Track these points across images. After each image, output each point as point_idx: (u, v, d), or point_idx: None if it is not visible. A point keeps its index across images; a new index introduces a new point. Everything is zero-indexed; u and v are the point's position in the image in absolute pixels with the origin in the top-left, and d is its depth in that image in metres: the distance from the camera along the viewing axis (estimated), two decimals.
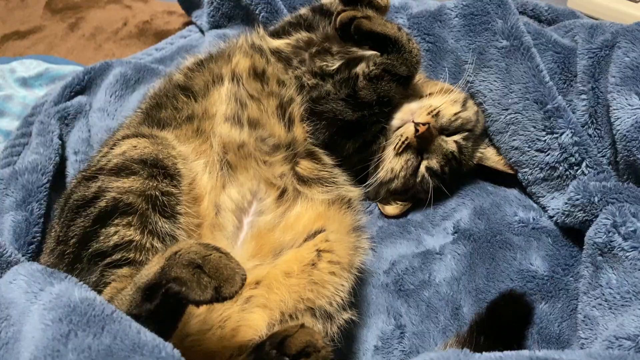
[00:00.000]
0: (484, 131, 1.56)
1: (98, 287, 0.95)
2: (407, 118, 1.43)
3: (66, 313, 0.82)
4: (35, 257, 1.32)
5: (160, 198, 1.04)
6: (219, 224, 1.17)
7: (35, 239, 1.33)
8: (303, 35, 1.46)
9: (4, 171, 1.45)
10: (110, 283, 0.95)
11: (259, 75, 1.35)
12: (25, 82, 1.99)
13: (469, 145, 1.50)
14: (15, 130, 1.69)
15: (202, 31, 2.16)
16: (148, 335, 0.80)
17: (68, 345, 0.77)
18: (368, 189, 1.47)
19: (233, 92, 1.30)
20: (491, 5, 1.56)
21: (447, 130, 1.46)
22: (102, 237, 0.98)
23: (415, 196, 1.52)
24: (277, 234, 1.20)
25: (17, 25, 2.37)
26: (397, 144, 1.43)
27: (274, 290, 1.09)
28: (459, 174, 1.53)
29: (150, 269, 0.88)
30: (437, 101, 1.46)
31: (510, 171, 1.54)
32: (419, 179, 1.46)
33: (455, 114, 1.46)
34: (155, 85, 1.48)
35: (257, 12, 1.89)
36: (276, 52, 1.43)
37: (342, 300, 1.15)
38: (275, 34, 1.50)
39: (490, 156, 1.56)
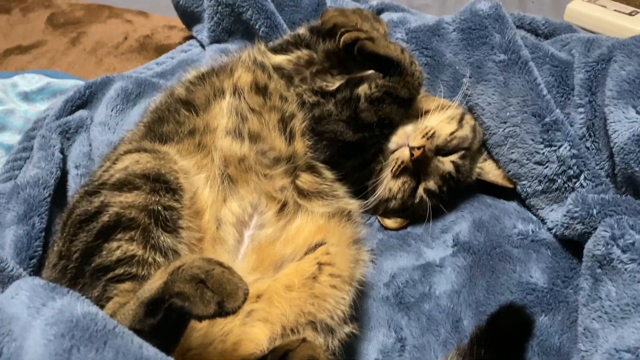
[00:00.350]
0: (482, 145, 1.57)
1: (101, 302, 0.95)
2: (403, 142, 1.44)
3: (68, 328, 0.82)
4: (36, 271, 1.32)
5: (162, 213, 1.05)
6: (220, 238, 1.17)
7: (36, 253, 1.34)
8: (304, 53, 1.48)
9: (6, 185, 1.46)
10: (112, 298, 0.96)
11: (261, 90, 1.36)
12: (27, 97, 2.00)
13: (467, 163, 1.50)
14: (16, 145, 1.69)
15: (202, 45, 2.17)
16: (150, 350, 0.80)
17: None
18: (368, 206, 1.47)
19: (234, 105, 1.31)
20: (489, 19, 1.58)
21: (443, 151, 1.46)
22: (104, 252, 0.99)
23: (415, 213, 1.53)
24: (277, 247, 1.20)
25: (19, 40, 2.39)
26: (394, 167, 1.44)
27: (275, 304, 1.09)
28: (459, 190, 1.54)
29: (153, 283, 0.89)
30: (433, 120, 1.46)
31: (509, 185, 1.54)
32: (417, 200, 1.47)
33: (451, 133, 1.46)
34: (156, 99, 1.49)
35: (257, 27, 1.91)
36: (278, 69, 1.44)
37: (343, 313, 1.15)
38: (276, 50, 1.51)
39: (489, 170, 1.57)
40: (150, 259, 1.00)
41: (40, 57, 2.29)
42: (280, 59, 1.46)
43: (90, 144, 1.69)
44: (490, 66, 1.53)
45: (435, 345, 1.29)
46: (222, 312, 0.82)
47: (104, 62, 2.26)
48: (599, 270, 1.18)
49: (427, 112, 1.48)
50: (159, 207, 1.05)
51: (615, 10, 2.21)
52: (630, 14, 2.17)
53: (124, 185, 1.06)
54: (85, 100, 1.83)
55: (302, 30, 1.58)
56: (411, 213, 1.53)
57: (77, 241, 1.01)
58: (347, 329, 1.16)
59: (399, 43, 1.59)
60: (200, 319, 0.85)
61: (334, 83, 1.42)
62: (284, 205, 1.25)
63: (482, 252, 1.44)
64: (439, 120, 1.47)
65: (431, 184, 1.46)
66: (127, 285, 0.97)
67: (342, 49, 1.37)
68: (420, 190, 1.47)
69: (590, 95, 1.45)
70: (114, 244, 0.99)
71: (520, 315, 1.26)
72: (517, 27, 1.76)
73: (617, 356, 0.98)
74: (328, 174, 1.37)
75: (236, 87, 1.34)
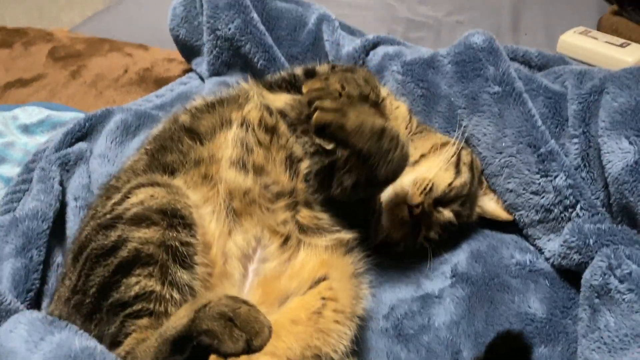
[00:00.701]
0: (480, 177, 1.58)
1: (118, 338, 0.95)
2: (401, 198, 1.42)
3: None
4: (34, 304, 1.32)
5: (179, 249, 1.05)
6: (227, 272, 1.17)
7: (34, 286, 1.33)
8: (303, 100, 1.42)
9: (4, 218, 1.46)
10: (130, 334, 0.96)
11: (269, 130, 1.33)
12: (26, 129, 2.01)
13: (467, 208, 1.50)
14: (16, 177, 1.70)
15: (201, 78, 2.20)
16: None
17: None
18: (370, 246, 1.43)
19: (240, 136, 1.30)
20: (483, 52, 1.61)
21: (442, 202, 1.45)
22: (123, 287, 0.98)
23: (416, 252, 1.52)
24: (282, 281, 1.21)
25: (20, 73, 2.41)
26: (394, 220, 1.44)
27: (282, 337, 1.08)
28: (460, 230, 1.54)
29: (178, 321, 0.90)
30: (430, 169, 1.44)
31: (511, 218, 1.55)
32: (417, 246, 1.48)
33: (450, 184, 1.44)
34: (160, 125, 1.48)
35: (255, 60, 1.94)
36: (282, 114, 1.39)
37: (346, 347, 1.15)
38: (273, 87, 1.49)
39: (489, 206, 1.57)
40: (167, 295, 1.00)
41: (41, 90, 2.31)
42: (281, 102, 1.41)
43: (89, 176, 1.70)
44: (485, 98, 1.56)
45: None
46: (250, 349, 0.86)
47: (103, 94, 2.28)
48: (597, 301, 1.18)
49: (422, 156, 1.48)
50: (177, 243, 1.05)
51: (606, 42, 2.26)
52: (621, 46, 2.22)
53: (141, 220, 1.05)
54: (85, 132, 1.84)
55: (298, 71, 1.55)
56: (412, 252, 1.52)
57: (93, 276, 1.01)
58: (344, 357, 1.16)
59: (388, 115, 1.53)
60: (227, 355, 0.87)
61: (330, 144, 1.31)
62: (286, 239, 1.26)
63: (481, 282, 1.44)
64: (436, 167, 1.45)
65: (432, 234, 1.47)
66: (145, 321, 0.97)
67: (314, 131, 1.24)
68: (421, 239, 1.47)
69: (584, 126, 1.47)
70: (133, 280, 0.99)
71: (518, 342, 1.24)
72: (511, 59, 1.79)
73: None
74: (326, 215, 1.33)
75: (245, 120, 1.33)
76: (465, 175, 1.48)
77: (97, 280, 1.00)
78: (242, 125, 1.31)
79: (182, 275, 1.04)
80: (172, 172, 1.25)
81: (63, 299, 1.06)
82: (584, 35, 2.33)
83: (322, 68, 1.58)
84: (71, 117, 2.02)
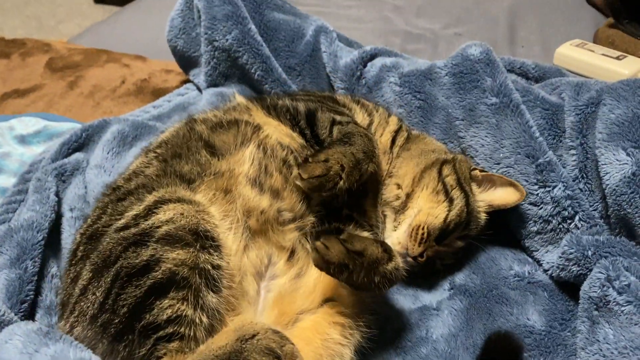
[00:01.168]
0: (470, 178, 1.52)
1: None
2: (402, 252, 1.39)
3: None
4: (28, 316, 1.30)
5: (211, 272, 1.05)
6: (242, 289, 1.17)
7: (28, 298, 1.31)
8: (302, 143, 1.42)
9: (0, 228, 1.45)
10: (161, 357, 0.95)
11: (284, 161, 1.35)
12: (23, 140, 2.01)
13: (472, 224, 1.46)
14: (11, 187, 1.69)
15: (199, 89, 2.20)
16: None
17: None
18: None
19: (258, 157, 1.30)
20: (480, 64, 1.61)
21: (445, 237, 1.42)
22: (155, 310, 0.98)
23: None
24: (296, 301, 1.22)
25: (17, 84, 2.40)
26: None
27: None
28: None
29: (220, 350, 0.92)
30: (422, 209, 1.41)
31: (520, 194, 1.45)
32: (435, 270, 1.48)
33: (445, 220, 1.40)
34: (170, 130, 1.47)
35: (252, 71, 1.95)
36: (290, 150, 1.39)
37: None
38: (279, 114, 1.46)
39: (495, 199, 1.50)
40: (197, 320, 1.00)
41: (38, 101, 2.30)
42: (287, 140, 1.39)
43: (85, 187, 1.69)
44: (482, 109, 1.56)
45: None
46: None
47: (101, 105, 2.28)
48: (595, 313, 1.18)
49: (409, 196, 1.45)
50: (209, 266, 1.05)
51: (603, 54, 2.27)
52: (617, 58, 2.23)
53: (175, 241, 1.04)
54: (81, 143, 1.84)
55: (301, 108, 1.47)
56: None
57: (125, 295, 0.99)
58: None
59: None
60: None
61: None
62: (292, 253, 1.27)
63: (479, 294, 1.43)
64: (427, 205, 1.41)
65: (447, 260, 1.48)
66: (175, 344, 0.97)
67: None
68: (438, 265, 1.47)
69: (581, 138, 1.48)
70: (166, 302, 0.98)
71: (509, 341, 1.24)
72: (508, 71, 1.80)
73: None
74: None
75: (262, 142, 1.33)
76: (458, 201, 1.43)
77: (129, 301, 0.98)
78: (259, 146, 1.32)
79: (212, 299, 1.04)
80: (189, 182, 1.23)
81: (88, 316, 1.02)
82: (580, 47, 2.34)
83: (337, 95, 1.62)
84: (68, 127, 2.02)
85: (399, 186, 1.48)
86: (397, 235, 1.42)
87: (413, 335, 1.37)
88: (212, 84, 2.09)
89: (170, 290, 0.99)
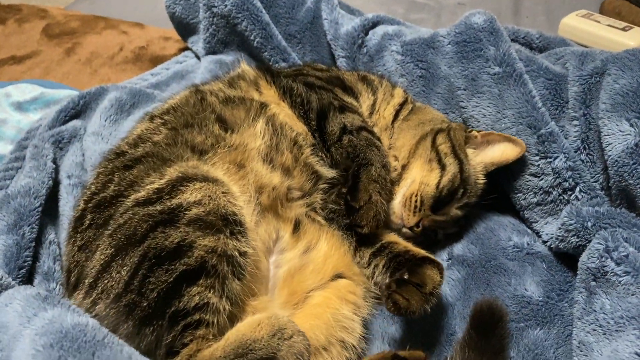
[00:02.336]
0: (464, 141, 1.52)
1: (175, 348, 0.96)
2: (398, 222, 1.40)
3: (58, 339, 0.81)
4: (25, 281, 1.31)
5: (237, 259, 1.05)
6: (255, 266, 1.16)
7: (25, 263, 1.31)
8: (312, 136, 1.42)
9: None
10: (187, 344, 0.96)
11: (296, 144, 1.36)
12: (20, 106, 1.99)
13: (470, 190, 1.45)
14: (8, 154, 1.68)
15: (197, 57, 2.18)
16: None
17: None
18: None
19: (269, 132, 1.31)
20: (483, 32, 1.58)
21: (440, 205, 1.41)
22: (185, 297, 0.98)
23: None
24: (306, 279, 1.24)
25: (13, 50, 2.38)
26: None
27: (306, 329, 1.10)
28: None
29: (257, 343, 0.94)
30: (415, 179, 1.41)
31: (519, 149, 1.44)
32: (439, 239, 1.49)
33: (437, 186, 1.40)
34: (177, 97, 1.45)
35: (251, 38, 1.92)
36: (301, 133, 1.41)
37: (362, 332, 1.25)
38: (293, 100, 1.45)
39: (494, 157, 1.48)
40: (221, 308, 1.01)
41: (35, 68, 2.28)
42: (296, 125, 1.41)
43: (83, 154, 1.68)
44: (485, 79, 1.54)
45: (430, 359, 1.27)
46: None
47: (98, 72, 2.26)
48: (593, 283, 1.18)
49: (405, 167, 1.45)
50: (236, 253, 1.05)
51: (609, 25, 2.23)
52: (623, 29, 2.19)
53: (206, 226, 1.04)
54: (79, 110, 1.83)
55: (314, 103, 1.43)
56: None
57: (154, 279, 0.98)
58: (363, 344, 1.24)
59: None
60: None
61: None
62: (296, 225, 1.28)
63: (477, 265, 1.43)
64: (420, 174, 1.42)
65: (449, 230, 1.47)
66: (201, 331, 0.98)
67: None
68: (440, 236, 1.48)
69: (584, 108, 1.46)
70: (195, 290, 0.99)
71: (494, 307, 1.23)
72: (512, 40, 1.76)
73: None
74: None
75: (270, 120, 1.34)
76: (452, 167, 1.42)
77: (160, 286, 0.98)
78: (267, 122, 1.32)
79: (236, 287, 1.05)
80: (201, 153, 1.22)
81: (112, 295, 1.00)
82: (586, 18, 2.30)
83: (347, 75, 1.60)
84: (65, 95, 2.00)
85: (396, 158, 1.47)
86: (391, 206, 1.41)
87: None
88: (210, 51, 2.06)
89: (200, 278, 1.00)
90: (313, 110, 1.42)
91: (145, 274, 0.98)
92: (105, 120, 1.77)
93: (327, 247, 1.28)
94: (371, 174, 1.31)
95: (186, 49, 2.29)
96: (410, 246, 1.36)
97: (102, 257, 1.03)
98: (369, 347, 1.30)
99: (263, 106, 1.38)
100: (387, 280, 1.28)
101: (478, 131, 1.53)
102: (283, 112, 1.41)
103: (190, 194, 1.06)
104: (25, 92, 2.04)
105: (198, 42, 2.13)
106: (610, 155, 1.32)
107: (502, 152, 1.47)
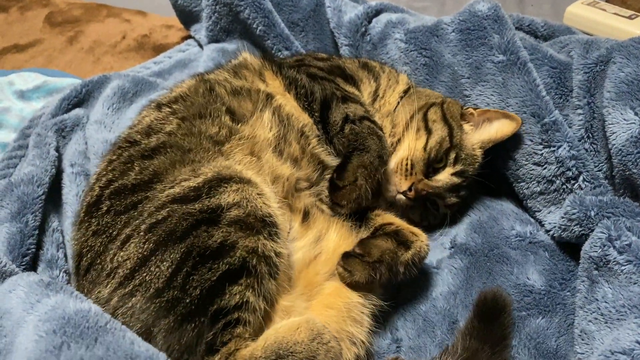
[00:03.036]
0: (461, 116, 1.52)
1: (215, 346, 0.97)
2: (392, 189, 1.41)
3: (60, 325, 0.82)
4: (29, 269, 1.31)
5: (273, 259, 1.08)
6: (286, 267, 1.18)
7: (29, 251, 1.32)
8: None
9: (0, 183, 1.45)
10: (226, 343, 0.98)
11: (303, 135, 1.37)
12: (23, 95, 1.99)
13: (463, 159, 1.45)
14: (12, 143, 1.68)
15: (200, 45, 2.17)
16: (142, 346, 0.80)
17: (60, 357, 0.76)
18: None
19: (276, 123, 1.32)
20: (488, 20, 1.57)
21: (432, 166, 1.42)
22: (227, 295, 1.00)
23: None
24: (319, 271, 1.25)
25: (16, 39, 2.38)
26: (404, 207, 1.43)
27: (325, 322, 1.13)
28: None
29: (298, 345, 0.98)
30: (404, 148, 1.43)
31: (515, 123, 1.44)
32: (441, 217, 1.50)
33: (424, 148, 1.42)
34: (184, 86, 1.44)
35: (254, 25, 1.91)
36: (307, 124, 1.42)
37: (370, 325, 1.25)
38: (297, 92, 1.45)
39: (492, 133, 1.48)
40: (258, 307, 1.04)
41: (38, 56, 2.28)
42: (301, 116, 1.41)
43: (86, 143, 1.68)
44: (489, 67, 1.53)
45: (431, 347, 1.28)
46: None
47: (101, 61, 2.25)
48: (595, 272, 1.17)
49: (399, 140, 1.47)
50: (272, 254, 1.08)
51: (614, 13, 2.21)
52: (629, 17, 2.17)
53: (247, 227, 1.06)
54: (81, 98, 1.83)
55: (317, 94, 1.43)
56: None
57: (197, 276, 1.00)
58: (370, 338, 1.24)
59: None
60: None
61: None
62: (306, 214, 1.29)
63: (480, 253, 1.43)
64: (409, 142, 1.44)
65: (450, 200, 1.46)
66: (239, 330, 1.00)
67: None
68: (442, 209, 1.47)
69: (589, 97, 1.45)
70: (236, 289, 1.01)
71: (498, 297, 1.25)
72: (516, 28, 1.75)
73: (613, 358, 0.98)
74: None
75: (276, 111, 1.35)
76: (439, 132, 1.44)
77: (203, 284, 1.00)
78: (274, 113, 1.34)
79: (272, 286, 1.08)
80: (219, 144, 1.23)
81: (152, 289, 1.00)
82: (592, 6, 2.28)
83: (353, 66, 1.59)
84: (68, 83, 2.00)
85: (394, 135, 1.49)
86: (386, 172, 1.41)
87: (412, 293, 1.38)
88: (213, 39, 2.05)
89: (241, 277, 1.02)
90: (316, 102, 1.43)
91: (189, 272, 1.00)
92: (108, 109, 1.77)
93: (337, 237, 1.29)
94: (363, 159, 1.32)
95: (189, 37, 2.28)
96: (403, 225, 1.36)
97: (140, 250, 1.03)
98: (376, 340, 1.30)
99: (269, 97, 1.38)
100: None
101: (475, 108, 1.52)
102: (289, 104, 1.41)
103: (229, 196, 1.09)
104: (28, 80, 2.04)
105: (200, 31, 2.12)
106: (614, 144, 1.31)
107: (499, 128, 1.47)
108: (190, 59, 2.13)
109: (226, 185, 1.10)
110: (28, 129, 1.72)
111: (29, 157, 1.54)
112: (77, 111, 1.78)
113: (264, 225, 1.08)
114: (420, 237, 1.30)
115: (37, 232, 1.36)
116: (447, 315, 1.32)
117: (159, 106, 1.38)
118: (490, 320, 1.22)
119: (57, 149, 1.61)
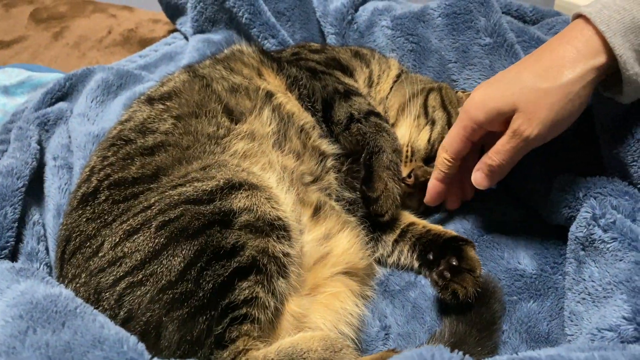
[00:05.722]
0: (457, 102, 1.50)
1: (224, 342, 0.98)
2: None
3: (27, 310, 0.80)
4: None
5: (282, 259, 1.10)
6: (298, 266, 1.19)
7: (8, 244, 1.28)
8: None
9: None
10: (235, 340, 0.99)
11: (303, 131, 1.37)
12: (6, 90, 1.97)
13: None
14: None
15: (186, 38, 2.15)
16: (112, 329, 0.77)
17: (25, 342, 0.74)
18: None
19: (275, 120, 1.33)
20: (474, 3, 1.56)
21: (432, 158, 1.41)
22: (237, 290, 1.02)
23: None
24: (326, 273, 1.24)
25: (1, 35, 2.35)
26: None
27: (315, 315, 1.17)
28: None
29: (310, 354, 0.98)
30: (404, 134, 1.42)
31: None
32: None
33: (429, 140, 1.41)
34: (178, 81, 1.40)
35: (240, 14, 1.88)
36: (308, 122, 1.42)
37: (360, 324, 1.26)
38: (300, 92, 1.45)
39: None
40: (266, 303, 1.05)
41: (23, 52, 2.26)
42: (302, 115, 1.41)
43: (69, 136, 1.66)
44: (475, 50, 1.51)
45: (420, 333, 1.25)
46: None
47: (87, 56, 2.23)
48: (582, 253, 1.15)
49: (393, 125, 1.46)
50: (281, 255, 1.10)
51: None
52: None
53: (256, 230, 1.09)
54: (65, 92, 1.80)
55: (317, 93, 1.44)
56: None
57: (211, 272, 1.02)
58: (359, 335, 1.25)
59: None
60: None
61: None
62: (317, 209, 1.29)
63: (470, 238, 1.40)
64: (408, 130, 1.43)
65: None
66: (246, 327, 1.01)
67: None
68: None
69: None
70: (245, 284, 1.03)
71: (487, 283, 1.25)
72: (504, 13, 1.72)
73: (600, 335, 0.96)
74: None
75: (276, 109, 1.35)
76: (440, 122, 1.43)
77: (216, 279, 1.01)
78: (274, 111, 1.34)
79: (282, 284, 1.09)
80: (217, 139, 1.24)
81: (163, 280, 1.01)
82: None
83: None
84: (53, 78, 1.98)
85: (387, 119, 1.47)
86: None
87: (402, 280, 1.36)
88: (198, 30, 2.03)
89: (250, 274, 1.04)
90: (318, 101, 1.43)
91: (203, 267, 1.02)
92: (92, 102, 1.75)
93: (346, 239, 1.29)
94: (383, 161, 1.33)
95: (175, 31, 2.26)
96: (428, 225, 1.39)
97: (151, 244, 1.04)
98: (365, 328, 1.28)
99: (269, 95, 1.38)
100: (437, 271, 1.26)
101: (463, 91, 1.50)
102: (290, 103, 1.41)
103: (240, 201, 1.11)
104: (12, 75, 2.01)
105: (186, 23, 2.10)
106: (601, 123, 1.28)
107: None
108: (177, 52, 2.10)
109: (237, 191, 1.13)
110: (10, 124, 1.70)
111: (9, 150, 1.52)
112: (61, 105, 1.75)
113: (272, 228, 1.11)
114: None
115: (16, 224, 1.33)
116: (436, 301, 1.30)
117: (150, 100, 1.36)
118: (479, 305, 1.20)
119: (40, 142, 1.59)
